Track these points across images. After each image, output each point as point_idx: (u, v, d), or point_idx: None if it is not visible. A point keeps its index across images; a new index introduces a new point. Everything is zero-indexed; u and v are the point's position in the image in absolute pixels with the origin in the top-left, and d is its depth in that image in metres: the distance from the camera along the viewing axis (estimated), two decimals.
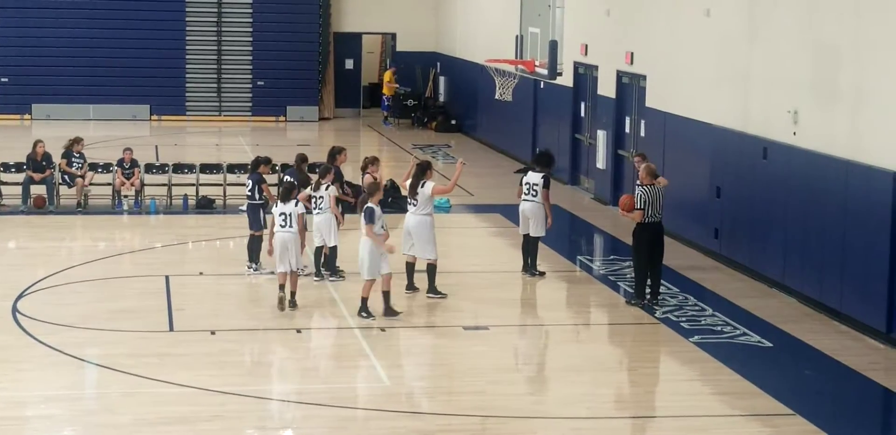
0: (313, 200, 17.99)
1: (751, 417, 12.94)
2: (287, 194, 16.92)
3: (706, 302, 17.52)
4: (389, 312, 16.30)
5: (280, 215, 16.73)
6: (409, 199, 17.36)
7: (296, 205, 16.79)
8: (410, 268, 17.57)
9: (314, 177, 18.52)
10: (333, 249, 18.18)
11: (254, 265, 18.62)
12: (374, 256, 16.10)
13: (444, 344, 15.54)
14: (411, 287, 17.58)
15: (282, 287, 16.69)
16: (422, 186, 17.22)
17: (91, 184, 23.78)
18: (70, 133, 25.31)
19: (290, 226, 16.67)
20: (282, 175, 22.19)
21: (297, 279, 16.91)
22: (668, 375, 14.75)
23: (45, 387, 13.53)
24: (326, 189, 18.00)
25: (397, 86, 38.82)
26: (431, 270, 17.38)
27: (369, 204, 16.15)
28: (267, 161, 19.03)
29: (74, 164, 23.65)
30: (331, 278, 18.23)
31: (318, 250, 18.31)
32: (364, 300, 16.28)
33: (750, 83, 19.10)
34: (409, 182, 17.45)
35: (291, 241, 16.69)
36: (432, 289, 17.37)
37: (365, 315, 16.20)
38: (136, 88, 37.30)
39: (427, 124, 37.78)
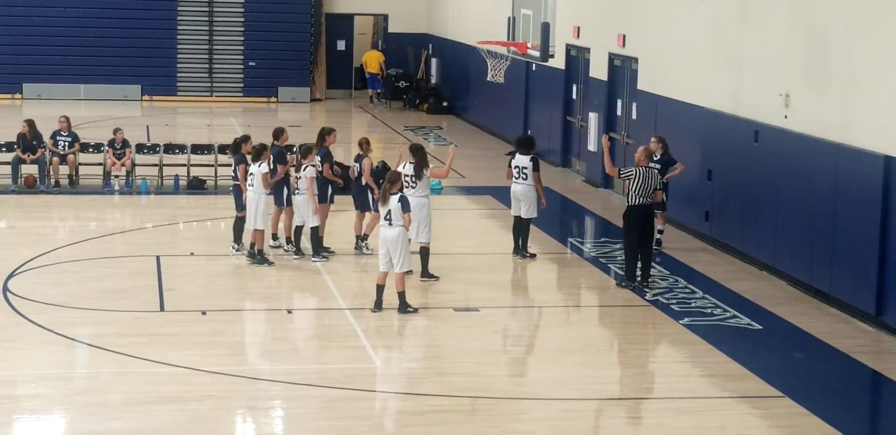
0: (296, 180, 18.06)
1: (740, 399, 12.98)
2: (257, 155, 17.86)
3: (696, 284, 17.55)
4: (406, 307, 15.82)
5: (250, 175, 17.84)
6: (408, 183, 16.99)
7: (258, 166, 17.72)
8: (425, 252, 17.37)
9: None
10: (315, 230, 18.12)
11: (238, 246, 18.59)
12: (406, 248, 15.60)
13: (435, 325, 15.56)
14: (426, 274, 17.35)
15: (252, 244, 18.03)
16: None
17: (80, 163, 23.74)
18: (61, 112, 25.26)
19: (253, 185, 17.81)
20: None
21: (260, 236, 17.96)
22: (658, 357, 14.80)
23: (35, 366, 13.54)
24: (305, 170, 17.95)
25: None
26: (425, 253, 17.33)
27: (401, 193, 15.61)
28: (245, 139, 18.84)
29: (60, 142, 23.60)
30: (313, 259, 18.20)
31: (298, 230, 18.32)
32: (402, 295, 15.69)
33: (742, 66, 19.10)
34: (403, 166, 17.31)
35: (252, 199, 17.80)
36: (426, 272, 17.34)
37: (412, 310, 15.72)
38: (128, 68, 37.17)
39: (418, 106, 37.70)
